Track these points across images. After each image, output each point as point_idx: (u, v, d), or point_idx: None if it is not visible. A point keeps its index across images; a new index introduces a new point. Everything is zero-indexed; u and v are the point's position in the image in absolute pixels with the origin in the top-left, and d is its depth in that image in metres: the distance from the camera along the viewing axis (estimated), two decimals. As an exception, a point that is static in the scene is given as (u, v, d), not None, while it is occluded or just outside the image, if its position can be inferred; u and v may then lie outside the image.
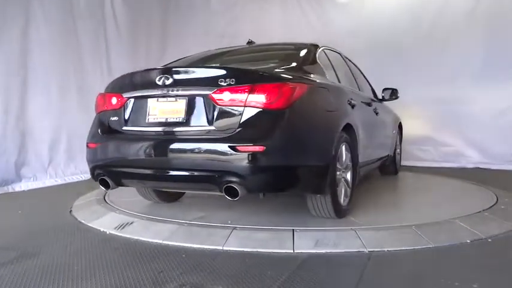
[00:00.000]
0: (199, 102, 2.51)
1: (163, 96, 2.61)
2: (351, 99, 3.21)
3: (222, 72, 2.54)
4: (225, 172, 2.37)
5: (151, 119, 2.64)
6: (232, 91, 2.41)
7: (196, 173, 2.48)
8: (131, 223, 2.95)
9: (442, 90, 6.14)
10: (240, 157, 2.32)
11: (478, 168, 5.99)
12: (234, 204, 3.32)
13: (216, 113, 2.46)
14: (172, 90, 2.56)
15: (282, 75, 2.63)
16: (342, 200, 2.88)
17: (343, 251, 2.42)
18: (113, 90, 2.86)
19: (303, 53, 3.18)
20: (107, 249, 2.51)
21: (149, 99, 2.65)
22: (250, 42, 3.74)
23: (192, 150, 2.45)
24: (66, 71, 5.40)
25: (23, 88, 4.91)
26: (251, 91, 2.39)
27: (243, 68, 2.78)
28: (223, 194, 2.41)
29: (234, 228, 2.71)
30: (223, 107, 2.44)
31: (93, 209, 3.42)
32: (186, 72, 2.69)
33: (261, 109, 2.38)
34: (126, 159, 2.66)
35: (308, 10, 7.19)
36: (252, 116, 2.39)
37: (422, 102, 6.27)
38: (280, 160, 2.39)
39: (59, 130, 5.21)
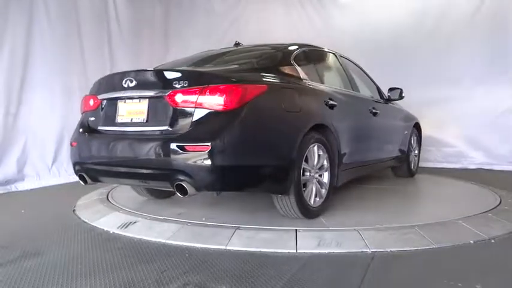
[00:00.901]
0: (158, 104, 2.63)
1: (129, 98, 2.76)
2: (330, 99, 3.19)
3: (178, 74, 2.63)
4: (175, 170, 2.46)
5: (119, 119, 2.81)
6: (184, 93, 2.51)
7: (152, 171, 2.59)
8: (134, 222, 2.96)
9: (444, 90, 6.14)
10: (187, 156, 2.41)
11: (481, 169, 5.98)
12: (237, 204, 3.33)
13: (170, 114, 2.56)
14: (136, 92, 2.71)
15: (232, 77, 2.64)
16: (311, 201, 2.92)
17: (346, 251, 2.43)
18: (91, 92, 3.06)
19: (275, 54, 3.24)
20: (110, 249, 2.52)
21: (118, 101, 2.82)
22: (237, 44, 3.77)
23: (149, 149, 2.53)
24: (70, 71, 5.41)
25: (26, 87, 4.92)
26: (201, 93, 2.47)
27: (196, 71, 2.87)
28: (175, 190, 2.52)
29: (237, 228, 2.71)
30: (177, 108, 2.54)
31: (97, 209, 3.43)
32: (147, 75, 2.78)
33: (210, 110, 2.47)
34: (98, 156, 2.82)
35: (310, 11, 7.19)
36: (201, 117, 2.48)
37: (424, 102, 6.23)
38: (227, 160, 2.43)
39: (63, 129, 5.22)
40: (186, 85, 2.52)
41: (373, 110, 3.97)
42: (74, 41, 5.54)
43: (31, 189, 4.69)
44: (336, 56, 3.98)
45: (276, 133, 2.66)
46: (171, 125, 2.55)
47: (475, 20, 6.03)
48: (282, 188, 2.67)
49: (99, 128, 2.90)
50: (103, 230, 2.94)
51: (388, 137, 4.40)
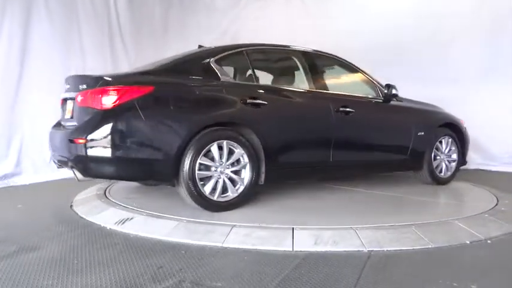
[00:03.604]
0: (74, 103, 3.12)
1: (70, 99, 3.23)
2: (253, 98, 3.24)
3: (83, 79, 3.16)
4: (69, 159, 2.97)
5: (66, 115, 3.29)
6: (82, 94, 2.99)
7: (65, 159, 3.08)
8: (131, 218, 2.95)
9: (443, 91, 6.08)
10: (73, 147, 2.89)
11: (479, 169, 5.98)
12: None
13: (77, 112, 3.06)
14: (69, 94, 3.22)
15: (120, 80, 2.98)
16: (214, 195, 3.05)
17: (342, 250, 2.43)
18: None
19: (196, 57, 3.45)
20: (107, 245, 2.52)
21: (67, 100, 3.29)
22: (200, 47, 3.85)
23: (63, 141, 3.03)
24: (69, 67, 5.38)
25: (23, 82, 4.93)
26: (88, 94, 2.93)
27: (91, 75, 3.17)
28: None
29: (234, 225, 2.71)
30: (79, 107, 3.01)
31: (94, 204, 3.43)
32: (73, 79, 3.30)
33: (93, 108, 2.88)
34: (53, 146, 3.37)
35: (312, 9, 7.17)
36: (89, 115, 2.90)
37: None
38: (102, 152, 2.80)
39: (61, 125, 5.22)
40: (84, 88, 3.01)
41: (344, 109, 3.71)
42: (73, 37, 5.53)
43: (28, 184, 4.68)
44: (297, 54, 3.91)
45: (157, 129, 2.92)
46: (77, 122, 3.02)
47: (475, 21, 6.01)
48: (165, 179, 3.02)
49: (61, 122, 3.41)
50: (100, 225, 2.94)
51: (375, 138, 4.04)
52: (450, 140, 4.52)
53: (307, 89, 3.78)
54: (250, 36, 7.12)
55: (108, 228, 2.87)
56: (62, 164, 3.23)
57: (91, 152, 2.80)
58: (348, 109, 3.73)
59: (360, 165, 4.09)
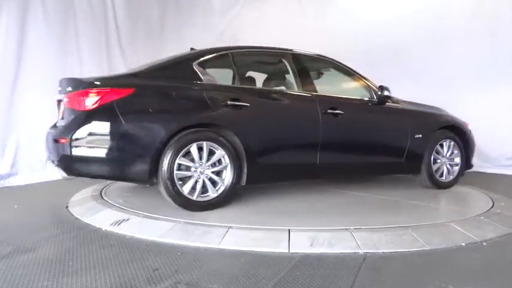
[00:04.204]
0: (63, 105, 3.22)
1: (62, 100, 3.30)
2: (234, 99, 3.28)
3: (69, 82, 3.22)
4: (55, 158, 3.13)
5: (60, 116, 3.36)
6: (67, 96, 3.11)
7: (53, 159, 3.23)
8: (127, 220, 2.95)
9: (439, 93, 6.08)
10: (57, 147, 3.04)
11: (475, 171, 5.99)
12: (231, 203, 3.33)
13: (66, 113, 3.15)
14: (60, 96, 3.30)
15: (103, 83, 3.09)
16: (193, 195, 3.11)
17: (338, 251, 2.43)
18: None
19: (180, 60, 3.50)
20: (102, 246, 2.51)
21: (61, 102, 3.33)
22: (192, 49, 3.87)
23: (52, 141, 3.15)
24: (65, 68, 5.36)
25: (19, 83, 4.91)
26: (73, 96, 3.05)
27: (76, 78, 3.32)
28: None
29: (230, 227, 2.71)
30: (67, 108, 3.13)
31: (90, 205, 3.42)
32: (63, 82, 3.34)
33: (75, 110, 3.02)
34: (47, 146, 3.41)
35: (309, 10, 7.18)
36: (70, 116, 3.05)
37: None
38: (81, 151, 2.94)
39: (57, 125, 5.20)
40: (70, 90, 3.12)
41: (333, 111, 3.67)
42: (70, 39, 5.52)
43: (24, 185, 4.67)
44: (287, 56, 3.88)
45: (136, 130, 3.03)
46: (65, 122, 3.12)
47: (472, 23, 6.03)
48: (143, 179, 3.07)
49: (56, 123, 3.45)
50: (95, 227, 2.94)
51: (366, 140, 3.96)
52: (452, 143, 4.37)
53: (295, 91, 3.78)
54: (247, 37, 7.14)
55: (103, 229, 2.87)
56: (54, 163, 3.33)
57: (73, 152, 2.94)
58: (336, 111, 3.70)
59: (350, 167, 4.01)
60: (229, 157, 3.20)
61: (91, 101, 2.95)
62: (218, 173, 3.21)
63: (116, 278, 2.03)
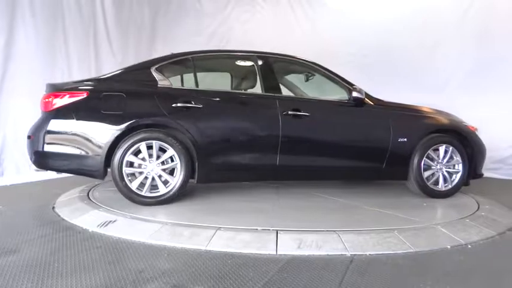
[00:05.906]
0: None
1: None
2: (186, 101, 3.45)
3: (46, 85, 3.52)
4: (28, 152, 3.46)
5: None
6: (42, 99, 3.44)
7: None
8: (114, 221, 2.93)
9: (430, 97, 6.14)
10: (27, 143, 3.44)
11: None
12: (220, 206, 3.33)
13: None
14: None
15: (63, 86, 3.47)
16: (141, 191, 3.35)
17: (325, 253, 2.45)
18: None
19: (141, 65, 3.75)
20: (88, 248, 2.49)
21: None
22: (172, 54, 3.93)
23: (28, 137, 3.49)
24: (54, 68, 5.36)
25: (6, 82, 4.86)
26: (42, 98, 3.42)
27: (49, 83, 3.56)
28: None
29: (218, 228, 2.71)
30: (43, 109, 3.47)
31: (76, 206, 3.39)
32: (46, 85, 3.57)
33: (42, 111, 3.43)
34: None
35: (299, 13, 7.20)
36: (41, 116, 3.42)
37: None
38: (42, 147, 3.30)
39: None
40: (44, 93, 3.45)
41: (295, 112, 3.63)
42: (58, 40, 5.48)
43: (10, 185, 4.60)
44: (253, 58, 3.91)
45: (88, 129, 3.31)
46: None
47: (462, 27, 6.08)
48: (94, 174, 3.34)
49: None
50: (82, 228, 2.91)
51: (336, 143, 3.82)
52: (450, 148, 3.96)
53: (257, 92, 3.81)
54: (238, 39, 7.16)
55: (90, 230, 2.84)
56: None
57: (35, 147, 3.33)
58: (300, 112, 3.64)
59: (316, 170, 3.86)
60: (179, 156, 3.39)
61: (52, 103, 3.33)
62: (171, 171, 3.41)
63: (102, 280, 2.01)
